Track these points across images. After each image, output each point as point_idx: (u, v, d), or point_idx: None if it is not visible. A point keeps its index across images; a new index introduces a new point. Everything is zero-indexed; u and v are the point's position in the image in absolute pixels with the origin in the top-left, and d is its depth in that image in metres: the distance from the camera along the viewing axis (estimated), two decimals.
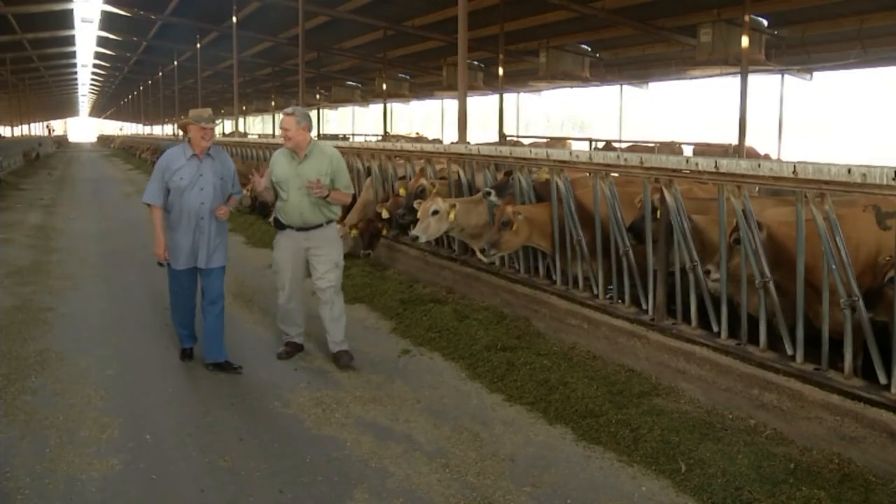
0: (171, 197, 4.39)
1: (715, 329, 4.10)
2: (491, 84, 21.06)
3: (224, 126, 50.13)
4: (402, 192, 6.72)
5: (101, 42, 30.38)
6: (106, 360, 4.72)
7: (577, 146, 16.60)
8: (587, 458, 3.35)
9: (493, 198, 5.42)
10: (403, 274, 6.95)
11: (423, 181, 6.52)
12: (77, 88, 56.39)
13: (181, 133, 4.74)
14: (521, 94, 24.80)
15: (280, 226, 4.64)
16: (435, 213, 5.61)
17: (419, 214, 5.74)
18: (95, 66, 40.85)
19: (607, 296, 4.90)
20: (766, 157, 12.15)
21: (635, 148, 14.72)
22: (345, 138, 23.03)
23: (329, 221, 4.64)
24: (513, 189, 5.49)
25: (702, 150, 13.78)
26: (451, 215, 5.58)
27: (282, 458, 3.34)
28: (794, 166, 3.33)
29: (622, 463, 3.29)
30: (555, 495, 3.03)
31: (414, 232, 5.67)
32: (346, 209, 8.31)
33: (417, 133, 27.66)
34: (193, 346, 4.77)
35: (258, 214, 10.98)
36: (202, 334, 4.57)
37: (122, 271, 7.64)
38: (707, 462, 3.11)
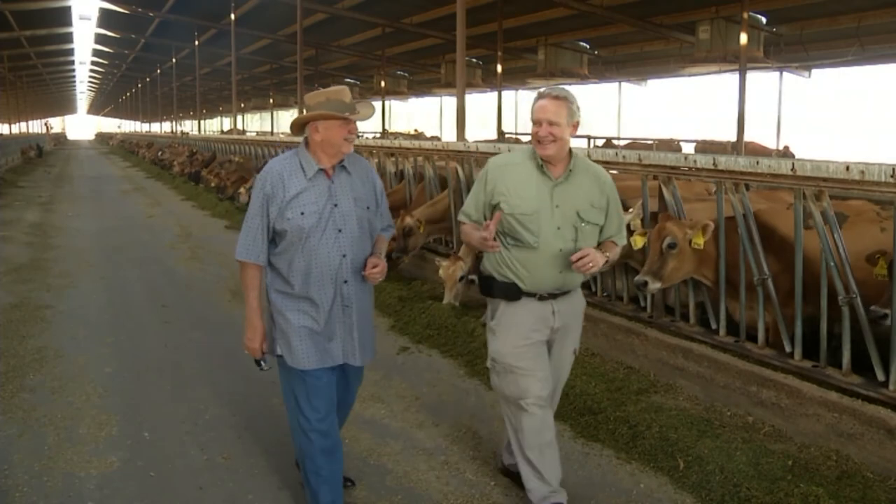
0: (284, 246, 2.56)
1: (713, 326, 4.11)
2: (489, 81, 21.06)
3: (222, 123, 50.12)
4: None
5: (99, 39, 30.35)
6: (104, 358, 4.71)
7: (575, 143, 16.57)
8: (585, 455, 3.35)
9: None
10: (401, 271, 6.94)
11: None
12: (75, 86, 56.33)
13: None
14: (520, 92, 24.80)
15: (506, 291, 2.68)
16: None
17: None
18: (93, 63, 40.80)
19: (604, 293, 4.90)
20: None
21: (634, 145, 14.72)
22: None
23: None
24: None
25: (703, 147, 13.78)
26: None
27: (280, 456, 3.33)
28: (793, 164, 3.33)
29: (620, 460, 3.29)
30: None
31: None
32: None
33: (416, 130, 27.65)
34: None
35: None
36: None
37: (120, 269, 7.63)
38: (705, 459, 3.11)
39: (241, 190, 11.92)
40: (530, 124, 2.65)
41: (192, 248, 8.89)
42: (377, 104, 28.20)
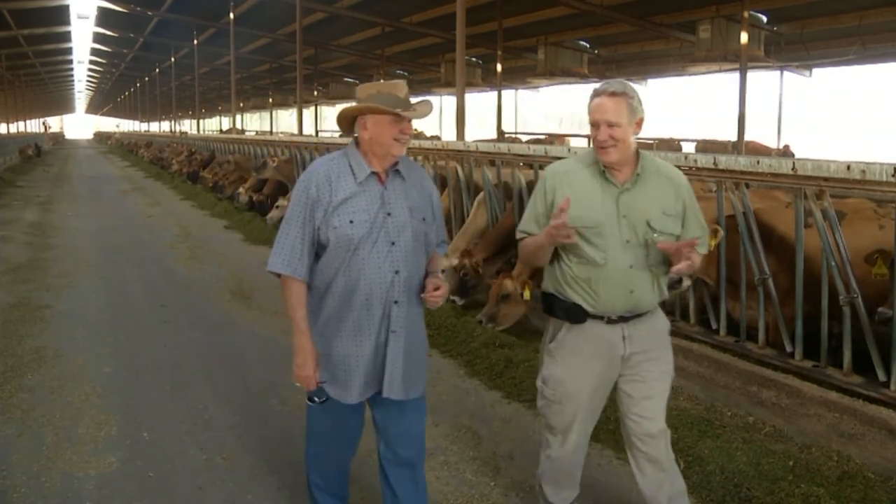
0: (327, 258, 2.24)
1: (713, 326, 4.10)
2: (489, 81, 21.05)
3: (221, 123, 50.09)
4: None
5: (98, 38, 30.31)
6: (103, 358, 4.70)
7: (575, 143, 16.59)
8: (586, 456, 3.34)
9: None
10: None
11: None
12: (73, 85, 56.31)
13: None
14: (520, 91, 24.79)
15: (569, 312, 2.38)
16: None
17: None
18: (92, 62, 40.78)
19: None
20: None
21: None
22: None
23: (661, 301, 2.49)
24: None
25: (703, 146, 13.78)
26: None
27: (280, 456, 3.33)
28: (793, 163, 3.32)
29: (621, 460, 3.28)
30: None
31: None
32: None
33: (416, 130, 27.64)
34: None
35: (256, 211, 10.95)
36: None
37: (119, 269, 7.62)
38: (706, 459, 3.10)
39: (240, 189, 11.90)
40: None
41: (191, 247, 8.88)
42: None
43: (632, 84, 2.36)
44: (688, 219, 2.37)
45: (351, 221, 2.19)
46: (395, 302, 2.26)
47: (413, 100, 2.31)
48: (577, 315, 2.36)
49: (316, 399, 2.30)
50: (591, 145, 2.37)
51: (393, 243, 2.23)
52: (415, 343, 2.35)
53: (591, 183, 2.33)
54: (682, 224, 2.35)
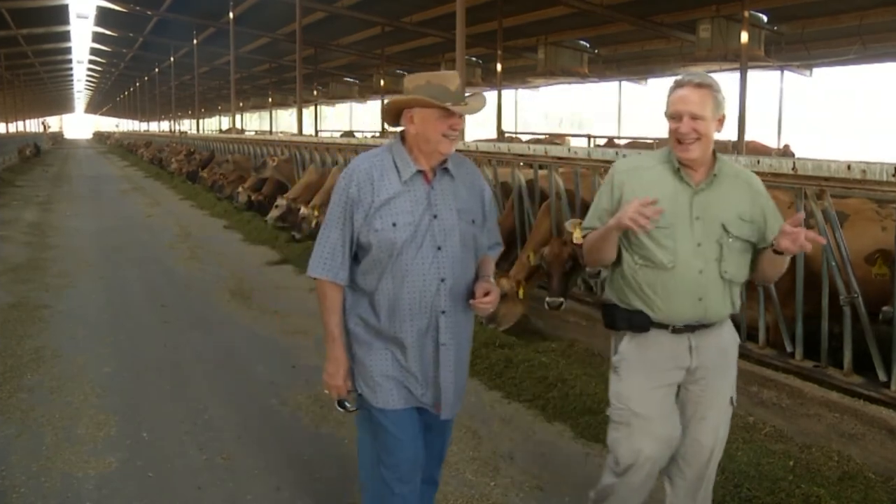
0: (368, 263, 2.10)
1: None
2: (489, 80, 21.03)
3: (220, 122, 50.10)
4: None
5: (97, 38, 30.32)
6: (103, 358, 4.70)
7: (575, 143, 16.60)
8: (586, 456, 3.34)
9: None
10: None
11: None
12: (72, 85, 56.30)
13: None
14: (520, 91, 24.79)
15: (631, 320, 2.23)
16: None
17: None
18: (91, 62, 40.77)
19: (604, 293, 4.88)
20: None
21: (634, 144, 14.72)
22: (351, 134, 22.99)
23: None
24: None
25: None
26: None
27: (280, 456, 3.32)
28: (794, 163, 3.32)
29: None
30: (553, 492, 3.02)
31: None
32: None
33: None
34: None
35: (255, 211, 10.95)
36: None
37: (119, 269, 7.61)
38: None
39: (240, 189, 11.89)
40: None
41: (191, 247, 8.87)
42: (376, 103, 28.20)
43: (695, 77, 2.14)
44: (769, 223, 2.18)
45: (394, 224, 2.03)
46: (443, 312, 2.09)
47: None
48: (640, 323, 2.18)
49: (347, 405, 2.19)
50: (668, 141, 2.18)
51: (439, 248, 2.07)
52: (463, 357, 2.21)
53: (663, 181, 2.15)
54: (764, 229, 2.17)
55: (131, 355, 4.77)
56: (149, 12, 21.80)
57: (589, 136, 17.55)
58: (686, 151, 2.09)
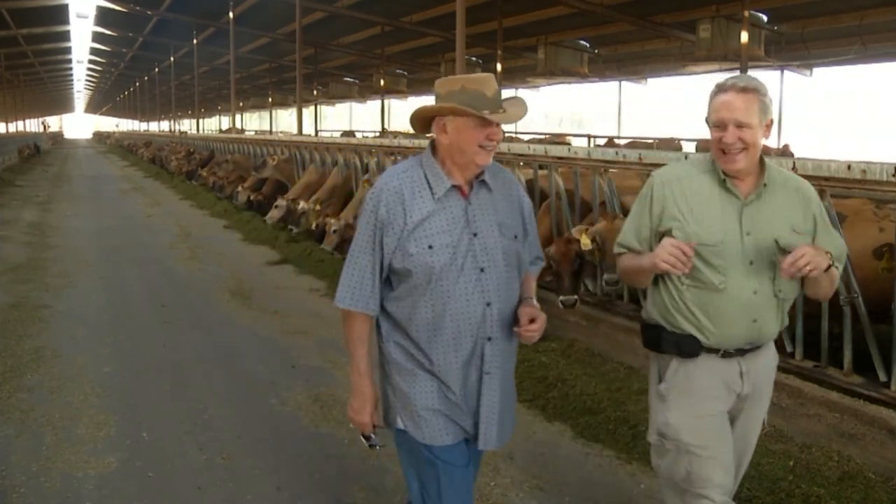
0: (404, 289, 1.91)
1: None
2: None
3: (220, 122, 50.09)
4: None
5: (97, 38, 30.34)
6: (103, 358, 4.70)
7: (575, 143, 16.59)
8: (585, 456, 3.34)
9: None
10: None
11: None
12: (72, 84, 56.34)
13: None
14: (520, 91, 24.76)
15: (680, 345, 2.05)
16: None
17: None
18: (91, 61, 40.81)
19: (605, 294, 4.88)
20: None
21: (634, 144, 14.72)
22: (351, 133, 22.99)
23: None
24: None
25: (704, 146, 13.75)
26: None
27: (280, 456, 3.32)
28: (794, 163, 3.32)
29: (621, 460, 3.28)
30: (553, 492, 3.02)
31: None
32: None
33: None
34: None
35: (255, 211, 10.94)
36: None
37: (119, 269, 7.61)
38: None
39: (240, 189, 11.89)
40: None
41: (191, 247, 8.88)
42: (376, 103, 28.18)
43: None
44: (820, 233, 2.00)
45: (430, 247, 1.83)
46: (489, 339, 1.89)
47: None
48: (690, 350, 2.00)
49: (373, 438, 2.04)
50: (709, 150, 2.00)
51: (482, 270, 1.87)
52: (509, 386, 2.01)
53: (709, 193, 1.97)
54: (814, 240, 1.99)
55: (131, 355, 4.77)
56: (149, 12, 21.81)
57: (589, 136, 17.56)
58: (732, 163, 1.91)
